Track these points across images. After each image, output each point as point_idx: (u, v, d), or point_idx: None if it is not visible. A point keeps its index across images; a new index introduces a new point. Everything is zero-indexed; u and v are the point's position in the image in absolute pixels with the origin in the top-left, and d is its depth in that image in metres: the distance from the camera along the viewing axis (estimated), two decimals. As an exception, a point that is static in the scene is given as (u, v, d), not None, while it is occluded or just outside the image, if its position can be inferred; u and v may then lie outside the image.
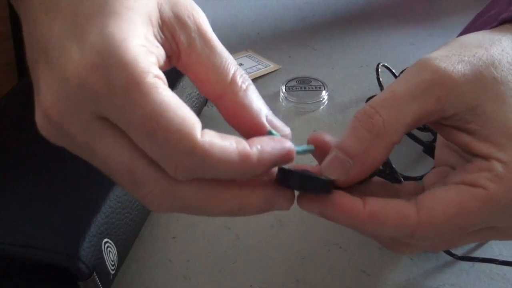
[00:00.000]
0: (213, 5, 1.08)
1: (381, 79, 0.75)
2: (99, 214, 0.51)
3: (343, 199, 0.40)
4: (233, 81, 0.40)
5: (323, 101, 0.79)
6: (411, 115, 0.40)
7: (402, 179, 0.50)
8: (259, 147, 0.36)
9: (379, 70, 0.75)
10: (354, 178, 0.41)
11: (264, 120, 0.40)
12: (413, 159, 0.68)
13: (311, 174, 0.40)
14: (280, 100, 0.79)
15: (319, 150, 0.43)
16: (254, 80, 0.82)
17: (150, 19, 0.38)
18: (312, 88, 0.80)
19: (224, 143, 0.35)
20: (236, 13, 1.05)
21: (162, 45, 0.39)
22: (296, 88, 0.80)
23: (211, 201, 0.37)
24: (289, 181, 0.39)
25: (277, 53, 0.91)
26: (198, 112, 0.73)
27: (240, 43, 0.94)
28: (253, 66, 0.86)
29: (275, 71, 0.86)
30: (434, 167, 0.48)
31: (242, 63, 0.86)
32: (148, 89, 0.34)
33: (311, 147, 0.43)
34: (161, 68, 0.38)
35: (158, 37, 0.39)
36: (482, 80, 0.41)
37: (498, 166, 0.39)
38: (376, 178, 0.47)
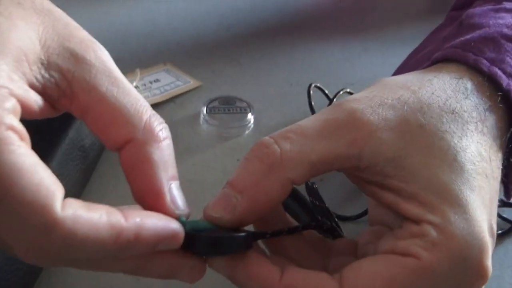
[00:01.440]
0: (127, 7, 1.01)
1: (312, 103, 0.71)
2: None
3: (257, 266, 0.37)
4: (147, 126, 0.35)
5: (249, 125, 0.74)
6: (317, 153, 0.37)
7: (343, 234, 0.46)
8: (137, 220, 0.32)
9: (311, 91, 0.71)
10: (243, 218, 0.38)
11: (165, 188, 0.35)
12: (348, 195, 0.64)
13: (220, 235, 0.36)
14: (201, 122, 0.74)
15: None
16: (172, 99, 0.78)
17: (24, 56, 0.32)
18: (236, 110, 0.75)
19: (91, 216, 0.30)
20: (153, 18, 0.99)
21: (45, 86, 0.34)
22: (218, 110, 0.75)
23: (99, 263, 0.33)
24: (195, 247, 0.36)
25: (199, 67, 0.86)
26: (95, 162, 0.67)
27: (158, 54, 0.88)
28: (171, 83, 0.80)
29: (195, 88, 0.81)
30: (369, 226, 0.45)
31: (159, 78, 0.80)
32: None
33: (210, 224, 0.38)
34: (34, 115, 0.33)
35: (39, 77, 0.33)
36: (406, 127, 0.39)
37: (430, 231, 0.36)
38: (310, 232, 0.44)
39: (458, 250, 0.36)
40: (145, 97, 0.75)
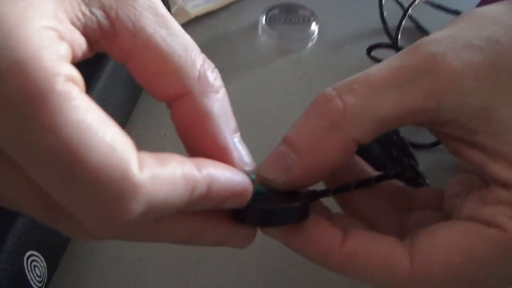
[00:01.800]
0: None
1: (384, 13, 0.64)
2: (18, 222, 0.41)
3: (315, 231, 0.34)
4: (202, 76, 0.31)
5: (312, 36, 0.68)
6: (387, 107, 0.32)
7: (427, 182, 0.41)
8: (211, 171, 0.29)
9: (383, 0, 0.65)
10: (298, 180, 0.34)
11: (231, 143, 0.31)
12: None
13: (272, 207, 0.33)
14: (259, 34, 0.68)
15: None
16: (228, 6, 0.72)
17: None
18: (299, 19, 0.69)
19: (168, 172, 0.26)
20: None
21: (85, 26, 0.28)
22: (279, 20, 0.69)
23: (155, 233, 0.31)
24: (245, 219, 0.33)
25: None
26: (134, 102, 0.62)
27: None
28: (224, -13, 0.73)
29: (253, -6, 0.74)
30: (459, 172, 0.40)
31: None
32: (57, 103, 0.23)
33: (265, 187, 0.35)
34: (76, 60, 0.27)
35: (79, 15, 0.28)
36: (496, 72, 0.32)
37: None
38: (390, 183, 0.38)
39: None
40: (197, 5, 0.69)
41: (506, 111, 0.32)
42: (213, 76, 0.31)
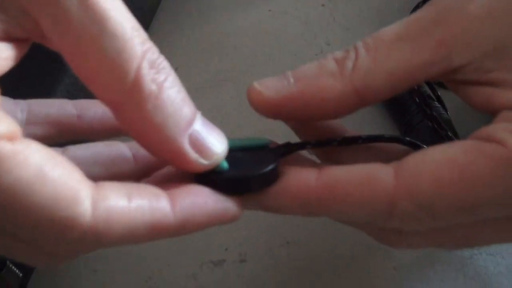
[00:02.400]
0: None
1: None
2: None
3: (287, 177, 0.32)
4: (136, 84, 0.27)
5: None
6: (395, 60, 0.31)
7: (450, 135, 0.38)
8: (185, 212, 0.29)
9: None
10: (283, 104, 0.32)
11: (183, 146, 0.29)
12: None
13: (237, 175, 0.32)
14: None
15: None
16: None
17: None
18: None
19: (130, 212, 0.27)
20: None
21: (6, 31, 0.27)
22: None
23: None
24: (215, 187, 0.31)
25: None
26: (156, 4, 0.59)
27: None
28: None
29: None
30: None
31: None
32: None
33: (265, 140, 0.34)
34: (8, 68, 0.28)
35: None
36: (510, 9, 0.31)
37: None
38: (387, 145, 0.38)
39: None
40: None
41: None
42: (149, 78, 0.28)
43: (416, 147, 0.37)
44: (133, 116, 0.28)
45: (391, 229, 0.34)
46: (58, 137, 0.36)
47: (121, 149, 0.36)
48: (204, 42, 0.58)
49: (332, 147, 0.36)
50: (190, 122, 0.29)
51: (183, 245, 0.47)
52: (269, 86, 0.32)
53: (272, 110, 0.33)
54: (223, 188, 0.31)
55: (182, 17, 0.60)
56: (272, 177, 0.32)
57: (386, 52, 0.32)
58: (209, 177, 0.31)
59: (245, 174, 0.32)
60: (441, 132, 0.47)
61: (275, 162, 0.32)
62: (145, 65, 0.27)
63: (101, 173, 0.34)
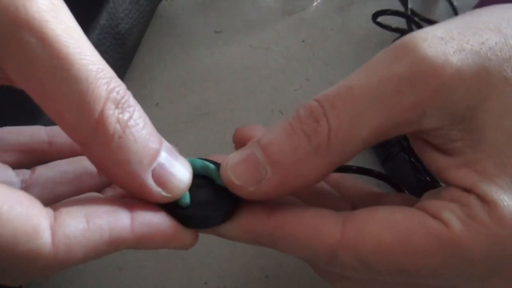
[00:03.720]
0: None
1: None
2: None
3: (244, 212, 0.34)
4: (100, 123, 0.29)
5: (318, -5, 0.65)
6: (370, 126, 0.32)
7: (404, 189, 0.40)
8: (144, 230, 0.31)
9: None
10: (267, 194, 0.33)
11: (146, 178, 0.31)
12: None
13: (198, 212, 0.33)
14: (261, -8, 0.66)
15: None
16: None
17: None
18: (303, -24, 0.66)
19: (89, 237, 0.29)
20: None
21: None
22: (282, -24, 0.66)
23: None
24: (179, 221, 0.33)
25: None
26: (152, 11, 0.61)
27: None
28: None
29: None
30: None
31: None
32: None
33: (210, 166, 0.35)
34: None
35: None
36: (485, 79, 0.32)
37: (476, 204, 0.31)
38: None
39: (503, 239, 0.30)
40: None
41: (488, 121, 0.31)
42: (114, 119, 0.29)
43: (397, 188, 0.39)
44: (98, 154, 0.30)
45: (335, 272, 0.35)
46: (29, 163, 0.37)
47: (86, 165, 0.37)
48: (186, 77, 0.60)
49: None
50: (154, 158, 0.31)
51: (163, 278, 0.48)
52: (245, 178, 0.33)
53: (254, 198, 0.33)
54: (182, 222, 0.33)
55: (164, 51, 0.61)
56: (230, 215, 0.34)
57: (360, 122, 0.32)
58: (171, 210, 0.33)
59: (204, 214, 0.33)
60: (417, 164, 0.49)
61: (234, 200, 0.34)
62: (109, 106, 0.29)
63: (67, 190, 0.36)
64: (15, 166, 0.36)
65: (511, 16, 0.34)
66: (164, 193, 0.31)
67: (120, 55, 0.55)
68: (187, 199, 0.33)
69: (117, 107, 0.29)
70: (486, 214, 0.30)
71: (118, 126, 0.29)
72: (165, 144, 0.32)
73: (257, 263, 0.49)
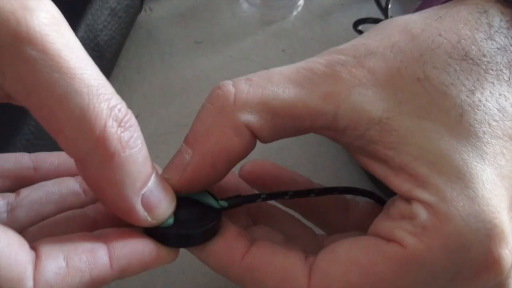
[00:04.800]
0: None
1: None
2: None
3: (221, 243, 0.35)
4: (101, 143, 0.28)
5: (298, 4, 0.66)
6: (282, 99, 0.33)
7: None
8: (123, 263, 0.31)
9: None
10: (195, 177, 0.34)
11: (136, 202, 0.31)
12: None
13: (179, 230, 0.34)
14: (240, 2, 0.67)
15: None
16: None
17: None
18: (282, -15, 0.67)
19: (71, 271, 0.29)
20: None
21: None
22: (261, -14, 0.67)
23: None
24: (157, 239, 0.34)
25: None
26: (132, 22, 0.62)
27: None
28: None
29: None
30: None
31: None
32: None
33: (221, 203, 0.36)
34: None
35: None
36: (399, 82, 0.33)
37: (420, 211, 0.32)
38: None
39: (454, 235, 0.31)
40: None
41: (407, 122, 0.32)
42: (115, 137, 0.29)
43: (372, 197, 0.40)
44: (94, 172, 0.29)
45: None
46: (14, 189, 0.37)
47: (71, 185, 0.37)
48: (166, 88, 0.61)
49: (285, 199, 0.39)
50: (146, 182, 0.31)
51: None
52: (171, 169, 0.34)
53: (187, 186, 0.34)
54: (163, 241, 0.33)
55: (144, 63, 0.62)
56: (211, 233, 0.35)
57: (272, 90, 0.33)
58: (151, 229, 0.33)
59: (185, 232, 0.34)
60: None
61: (215, 220, 0.35)
62: (111, 123, 0.28)
63: (52, 211, 0.36)
64: (0, 191, 0.36)
65: (419, 17, 0.36)
66: (149, 218, 0.32)
67: (99, 67, 0.53)
68: (170, 221, 0.34)
69: (119, 126, 0.29)
70: (433, 217, 0.31)
71: (119, 145, 0.29)
72: (155, 169, 0.32)
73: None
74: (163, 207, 0.32)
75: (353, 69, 0.33)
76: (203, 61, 0.62)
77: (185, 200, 0.35)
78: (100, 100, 0.28)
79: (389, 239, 0.32)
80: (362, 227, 0.38)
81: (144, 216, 0.31)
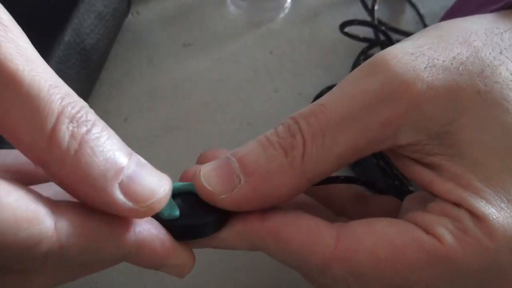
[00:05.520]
0: None
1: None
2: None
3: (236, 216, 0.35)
4: (53, 139, 0.28)
5: (285, 6, 0.67)
6: (343, 144, 0.33)
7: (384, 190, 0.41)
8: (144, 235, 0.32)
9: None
10: (238, 203, 0.34)
11: (113, 192, 0.30)
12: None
13: (189, 221, 0.34)
14: (227, 5, 0.67)
15: None
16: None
17: None
18: (269, -13, 0.67)
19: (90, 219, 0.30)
20: None
21: None
22: (248, -11, 0.67)
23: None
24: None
25: None
26: (119, 26, 0.63)
27: None
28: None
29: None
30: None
31: None
32: None
33: (190, 185, 0.36)
34: None
35: None
36: (459, 95, 0.33)
37: (466, 218, 0.32)
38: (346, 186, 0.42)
39: (493, 253, 0.31)
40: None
41: (466, 136, 0.33)
42: (67, 134, 0.28)
43: (370, 187, 0.41)
44: (57, 171, 0.29)
45: (324, 283, 0.36)
46: None
47: None
48: (154, 91, 0.61)
49: None
50: (119, 171, 0.30)
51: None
52: (218, 184, 0.33)
53: (226, 206, 0.34)
54: (175, 235, 0.33)
55: (132, 66, 0.62)
56: (222, 222, 0.34)
57: (333, 138, 0.33)
58: (162, 224, 0.33)
59: (196, 222, 0.34)
60: (386, 168, 0.50)
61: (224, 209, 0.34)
62: (62, 120, 0.28)
63: None
64: None
65: (479, 28, 0.36)
66: (136, 207, 0.30)
67: (86, 70, 0.56)
68: (176, 212, 0.34)
69: (71, 122, 0.28)
70: (477, 229, 0.31)
71: (72, 140, 0.28)
72: (136, 157, 0.31)
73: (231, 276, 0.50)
74: (148, 191, 0.31)
75: (413, 85, 0.32)
76: (191, 63, 0.63)
77: (186, 195, 0.35)
78: (52, 99, 0.28)
79: (428, 231, 0.32)
80: None
81: (128, 206, 0.30)
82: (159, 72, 0.62)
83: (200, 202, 0.35)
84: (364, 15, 0.63)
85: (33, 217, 0.27)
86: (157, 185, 0.31)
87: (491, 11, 0.39)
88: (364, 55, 0.59)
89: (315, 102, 0.34)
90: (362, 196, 0.42)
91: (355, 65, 0.59)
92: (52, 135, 0.28)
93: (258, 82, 0.61)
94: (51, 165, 0.29)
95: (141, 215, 0.31)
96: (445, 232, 0.32)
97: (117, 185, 0.30)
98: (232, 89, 0.61)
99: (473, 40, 0.34)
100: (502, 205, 0.32)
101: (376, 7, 0.62)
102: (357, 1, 0.65)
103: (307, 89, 0.59)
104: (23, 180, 0.37)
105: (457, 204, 0.32)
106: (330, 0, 0.68)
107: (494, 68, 0.33)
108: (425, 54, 0.34)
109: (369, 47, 0.59)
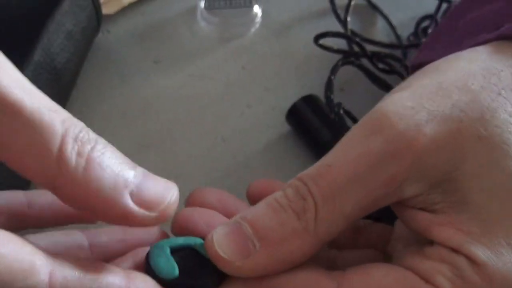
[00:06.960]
0: None
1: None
2: None
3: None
4: (60, 159, 0.29)
5: (255, 20, 0.68)
6: (352, 202, 0.33)
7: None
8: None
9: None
10: (255, 270, 0.34)
11: (127, 203, 0.30)
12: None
13: (188, 281, 0.34)
14: (198, 20, 0.68)
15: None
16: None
17: None
18: (240, 2, 0.68)
19: (86, 278, 0.30)
20: None
21: None
22: (219, 4, 0.69)
23: None
24: None
25: None
26: (89, 44, 0.64)
27: None
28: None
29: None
30: None
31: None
32: None
33: (195, 239, 0.36)
34: None
35: None
36: (459, 142, 0.33)
37: (465, 266, 0.32)
38: None
39: None
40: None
41: (467, 183, 0.33)
42: (74, 151, 0.29)
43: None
44: (70, 191, 0.29)
45: None
46: (8, 226, 0.36)
47: (78, 239, 0.38)
48: (126, 108, 0.62)
49: None
50: (129, 181, 0.31)
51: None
52: (233, 251, 0.33)
53: (241, 273, 0.34)
54: None
55: (103, 84, 0.63)
56: (220, 281, 0.34)
57: (343, 199, 0.33)
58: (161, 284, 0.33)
59: (194, 283, 0.34)
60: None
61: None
62: (67, 141, 0.29)
63: None
64: None
65: (477, 70, 0.36)
66: (149, 214, 0.31)
67: (57, 90, 0.56)
68: (175, 271, 0.34)
69: (75, 141, 0.29)
70: (476, 276, 0.32)
71: (80, 159, 0.29)
72: (140, 168, 0.32)
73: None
74: (158, 197, 0.32)
75: (415, 141, 0.33)
76: (162, 80, 0.64)
77: (185, 250, 0.35)
78: (54, 123, 0.29)
79: (427, 280, 0.33)
80: (373, 246, 0.40)
81: (142, 214, 0.31)
82: (130, 89, 0.63)
83: (199, 257, 0.35)
84: (335, 28, 0.64)
85: (29, 269, 0.28)
86: (166, 190, 0.32)
87: (484, 41, 0.39)
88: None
89: (321, 161, 0.35)
90: (353, 225, 0.42)
91: (330, 81, 0.59)
92: (60, 156, 0.28)
93: (231, 98, 0.62)
94: (63, 187, 0.29)
95: (154, 222, 0.31)
96: (444, 280, 0.32)
97: (128, 194, 0.30)
98: (204, 105, 0.62)
99: (471, 84, 0.35)
100: (502, 250, 0.32)
101: (348, 19, 0.63)
102: (327, 15, 0.66)
103: (281, 104, 0.60)
104: (15, 221, 0.37)
105: (455, 250, 0.33)
106: (300, 13, 0.70)
107: (493, 111, 0.34)
108: (425, 106, 0.34)
109: (344, 58, 0.61)
